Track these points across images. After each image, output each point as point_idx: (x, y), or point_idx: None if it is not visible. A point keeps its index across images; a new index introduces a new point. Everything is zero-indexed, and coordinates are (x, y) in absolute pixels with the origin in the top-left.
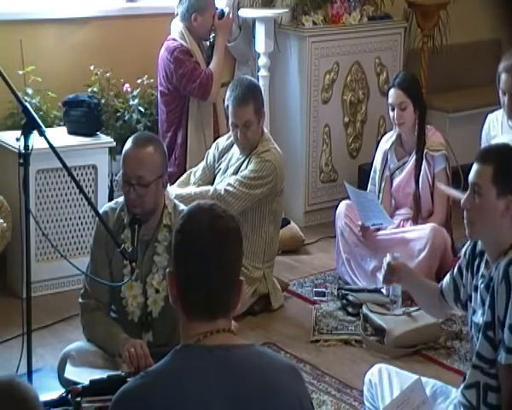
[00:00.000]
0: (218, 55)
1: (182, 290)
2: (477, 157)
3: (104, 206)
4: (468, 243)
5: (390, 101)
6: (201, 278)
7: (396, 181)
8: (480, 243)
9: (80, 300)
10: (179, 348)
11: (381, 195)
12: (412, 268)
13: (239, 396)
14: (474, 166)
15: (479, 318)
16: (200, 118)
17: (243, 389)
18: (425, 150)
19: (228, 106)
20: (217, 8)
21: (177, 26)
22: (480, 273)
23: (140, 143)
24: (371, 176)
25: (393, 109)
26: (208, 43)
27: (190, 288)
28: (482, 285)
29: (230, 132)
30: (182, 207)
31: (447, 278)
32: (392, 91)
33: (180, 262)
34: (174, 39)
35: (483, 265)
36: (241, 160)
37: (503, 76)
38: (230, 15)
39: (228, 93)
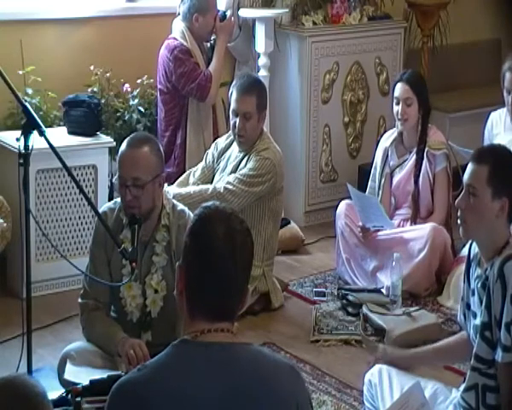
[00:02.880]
0: (218, 57)
1: (189, 288)
2: (473, 158)
3: (103, 206)
4: (466, 247)
5: (396, 94)
6: (211, 283)
7: (396, 179)
8: (473, 248)
9: (80, 300)
10: (176, 342)
11: (380, 192)
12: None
13: (234, 393)
14: (470, 167)
15: (478, 319)
16: (199, 118)
17: (238, 386)
18: (426, 149)
19: (232, 93)
20: (219, 11)
21: (178, 26)
22: (475, 275)
23: (135, 144)
24: (372, 172)
25: (398, 103)
26: (209, 44)
27: (198, 289)
28: (479, 285)
29: (230, 131)
30: (180, 206)
31: (459, 315)
32: (399, 85)
33: (191, 261)
34: (175, 38)
35: (477, 267)
36: (240, 157)
37: (508, 75)
38: (232, 19)
39: (235, 81)
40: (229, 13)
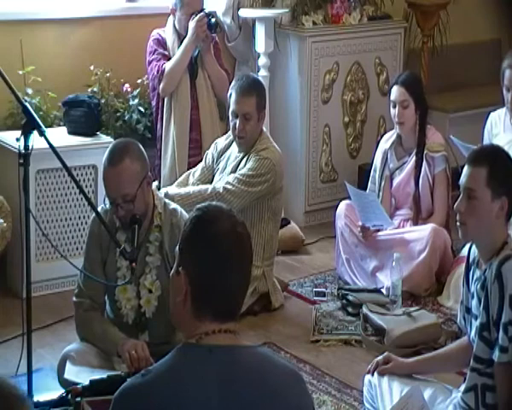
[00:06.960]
0: (178, 54)
1: (198, 291)
2: (469, 160)
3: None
4: (466, 248)
5: (392, 98)
6: (225, 282)
7: (396, 181)
8: (473, 252)
9: (74, 298)
10: (181, 346)
11: (380, 194)
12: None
13: (238, 398)
14: (467, 170)
15: (478, 321)
16: (171, 111)
17: (242, 391)
18: (425, 151)
19: (231, 94)
20: (203, 10)
21: (170, 18)
22: (475, 278)
23: (115, 160)
24: (371, 174)
25: (395, 107)
26: (196, 52)
27: (210, 289)
28: (478, 287)
29: (230, 132)
30: (172, 205)
31: (459, 318)
32: (395, 88)
33: (199, 263)
34: (163, 30)
35: (477, 269)
36: (240, 157)
37: (507, 72)
38: (203, 21)
39: (233, 82)
40: (218, 20)
